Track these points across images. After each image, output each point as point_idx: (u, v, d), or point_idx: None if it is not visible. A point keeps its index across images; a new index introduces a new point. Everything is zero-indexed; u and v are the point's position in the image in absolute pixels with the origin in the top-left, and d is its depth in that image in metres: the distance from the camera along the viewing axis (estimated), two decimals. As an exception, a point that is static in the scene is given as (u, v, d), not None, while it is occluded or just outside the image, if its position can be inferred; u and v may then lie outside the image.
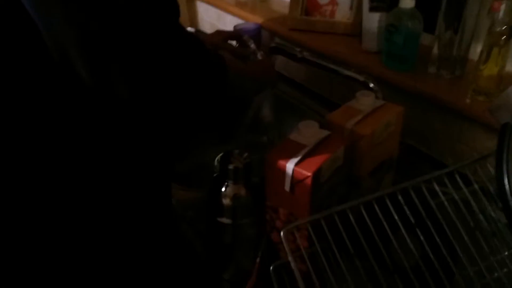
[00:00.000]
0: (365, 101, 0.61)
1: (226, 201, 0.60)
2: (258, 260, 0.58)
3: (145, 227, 0.60)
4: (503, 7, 0.64)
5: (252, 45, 0.84)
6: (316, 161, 0.53)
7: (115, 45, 0.40)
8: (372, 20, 0.84)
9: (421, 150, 0.81)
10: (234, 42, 0.88)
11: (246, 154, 0.61)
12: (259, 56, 0.84)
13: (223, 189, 0.60)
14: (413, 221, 0.50)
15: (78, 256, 0.55)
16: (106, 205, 0.55)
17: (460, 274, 0.50)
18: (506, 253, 0.53)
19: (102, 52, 0.40)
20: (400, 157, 0.71)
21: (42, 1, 0.39)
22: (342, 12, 0.95)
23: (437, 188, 0.51)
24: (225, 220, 0.61)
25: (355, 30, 0.92)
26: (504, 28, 0.65)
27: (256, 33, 1.09)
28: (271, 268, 0.54)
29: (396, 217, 0.50)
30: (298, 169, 0.52)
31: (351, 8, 0.94)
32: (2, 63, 0.43)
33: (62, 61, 0.42)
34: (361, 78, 0.78)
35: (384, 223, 0.50)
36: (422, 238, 0.49)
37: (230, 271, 0.67)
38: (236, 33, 0.86)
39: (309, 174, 0.52)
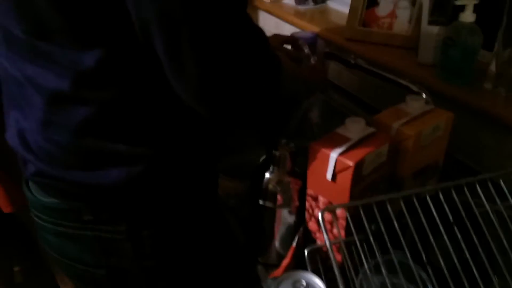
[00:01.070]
0: (415, 104, 0.63)
1: (270, 186, 0.63)
2: (294, 244, 0.60)
3: (194, 209, 0.64)
4: None
5: (307, 50, 0.87)
6: (360, 153, 0.55)
7: (189, 25, 0.45)
8: (430, 33, 0.85)
9: (470, 166, 0.80)
10: (289, 47, 0.91)
11: (292, 144, 0.64)
12: (313, 61, 0.87)
13: (267, 174, 0.64)
14: (451, 219, 0.50)
15: (141, 227, 0.59)
16: (169, 185, 0.59)
17: (498, 282, 0.50)
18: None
19: (177, 31, 0.45)
20: (447, 170, 0.70)
21: None
22: (401, 25, 0.96)
23: (479, 191, 0.51)
24: (268, 204, 0.64)
25: (412, 43, 0.93)
26: None
27: (313, 42, 1.13)
28: (305, 251, 0.56)
29: (435, 214, 0.50)
30: (341, 158, 0.54)
31: (409, 21, 0.95)
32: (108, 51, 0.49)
33: (145, 41, 0.47)
34: (414, 88, 0.79)
35: (423, 220, 0.50)
36: (460, 237, 0.49)
37: (267, 255, 0.69)
38: (292, 38, 0.90)
39: (351, 164, 0.54)
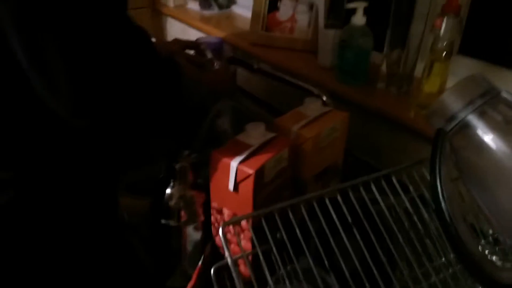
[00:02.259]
0: (312, 106, 0.63)
1: (171, 202, 0.59)
2: (200, 263, 0.57)
3: (90, 233, 0.59)
4: (444, 24, 0.68)
5: (209, 55, 0.85)
6: (260, 160, 0.53)
7: (55, 32, 0.40)
8: (327, 37, 0.88)
9: (369, 163, 0.83)
10: (192, 52, 0.88)
11: (194, 155, 0.61)
12: (217, 65, 0.85)
13: (168, 189, 0.60)
14: (350, 220, 0.50)
15: (19, 262, 0.52)
16: (50, 210, 0.53)
17: (397, 279, 0.51)
18: (443, 259, 0.55)
19: (40, 40, 0.39)
20: (348, 168, 0.72)
21: None
22: (301, 29, 0.98)
23: (374, 189, 0.53)
24: (171, 222, 0.60)
25: (313, 46, 0.96)
26: (445, 44, 0.69)
27: (218, 47, 1.11)
28: (212, 269, 0.53)
29: (334, 217, 0.51)
30: (241, 167, 0.53)
31: (309, 25, 0.97)
32: None
33: (5, 52, 0.41)
34: (315, 90, 0.80)
35: (323, 224, 0.50)
36: (359, 238, 0.50)
37: (175, 277, 0.65)
38: (194, 43, 0.87)
39: (251, 172, 0.52)
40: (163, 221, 0.60)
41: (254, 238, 0.49)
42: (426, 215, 0.55)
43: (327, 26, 0.88)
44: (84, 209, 0.57)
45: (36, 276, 0.54)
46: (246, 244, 0.57)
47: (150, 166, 0.84)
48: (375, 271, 0.48)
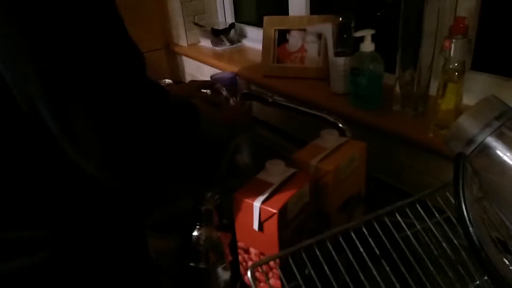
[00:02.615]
0: (329, 139, 0.64)
1: (199, 245, 0.61)
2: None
3: (122, 277, 0.60)
4: (453, 45, 0.68)
5: (224, 92, 0.87)
6: (282, 198, 0.54)
7: (78, 90, 0.42)
8: (338, 65, 0.89)
9: (392, 185, 0.83)
10: (208, 91, 0.91)
11: (217, 196, 0.63)
12: (232, 102, 0.87)
13: (195, 232, 0.61)
14: (378, 252, 0.50)
15: None
16: (83, 261, 0.54)
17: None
18: (477, 282, 0.54)
19: (64, 95, 0.41)
20: (372, 192, 0.72)
21: (8, 53, 0.40)
22: (311, 58, 1.00)
23: (399, 218, 0.53)
24: (200, 265, 0.61)
25: (324, 74, 0.97)
26: (456, 65, 0.69)
27: (232, 81, 1.14)
28: (243, 310, 0.54)
29: (361, 250, 0.51)
30: (264, 207, 0.54)
31: (319, 54, 0.99)
32: None
33: (32, 114, 0.43)
34: (331, 118, 0.81)
35: (350, 257, 0.50)
36: (388, 269, 0.50)
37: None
38: (209, 82, 0.90)
39: (275, 211, 0.53)
40: (192, 264, 0.61)
41: (282, 276, 0.50)
42: (454, 240, 0.54)
43: (337, 54, 0.89)
44: (115, 254, 0.58)
45: None
46: (275, 283, 0.57)
47: (174, 205, 0.86)
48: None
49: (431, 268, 0.51)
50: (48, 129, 0.44)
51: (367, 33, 0.80)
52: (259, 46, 1.24)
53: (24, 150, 0.47)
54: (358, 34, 0.81)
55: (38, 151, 0.47)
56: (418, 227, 0.54)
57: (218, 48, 1.33)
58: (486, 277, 0.53)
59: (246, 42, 1.33)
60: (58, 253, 0.50)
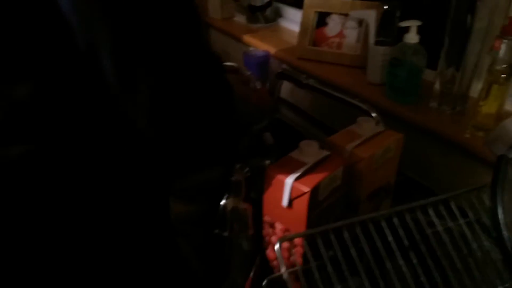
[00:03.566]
0: (366, 126, 0.63)
1: (225, 213, 0.61)
2: (251, 274, 0.58)
3: (141, 240, 0.60)
4: (503, 45, 0.66)
5: (248, 73, 0.86)
6: (315, 178, 0.54)
7: (144, 50, 0.43)
8: (377, 54, 0.88)
9: (420, 182, 0.82)
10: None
11: (247, 169, 0.63)
12: (257, 85, 0.86)
13: (222, 201, 0.61)
14: (406, 243, 0.50)
15: (71, 271, 0.54)
16: (102, 216, 0.55)
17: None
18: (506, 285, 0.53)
19: (131, 56, 0.43)
20: (399, 188, 0.72)
21: (84, 2, 0.41)
22: (349, 45, 0.99)
23: (431, 213, 0.52)
24: (223, 233, 0.61)
25: (361, 62, 0.96)
26: (504, 66, 0.67)
27: (265, 60, 1.13)
28: (264, 282, 0.54)
29: (390, 239, 0.50)
30: (296, 185, 0.53)
31: (357, 41, 0.97)
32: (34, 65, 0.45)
33: (91, 63, 0.44)
34: (364, 106, 0.80)
35: (379, 245, 0.50)
36: (415, 261, 0.50)
37: (225, 285, 0.66)
38: (232, 67, 0.88)
39: (307, 189, 0.53)
40: (216, 231, 0.62)
41: (309, 254, 0.50)
42: (485, 242, 0.53)
43: (377, 43, 0.87)
44: (137, 214, 0.59)
45: (89, 281, 0.56)
46: (297, 260, 0.57)
47: (201, 175, 0.86)
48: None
49: (458, 265, 0.50)
50: (100, 82, 0.44)
51: (413, 24, 0.78)
52: (295, 28, 1.22)
53: (75, 100, 0.47)
54: (404, 24, 0.79)
55: (86, 102, 0.48)
56: (450, 224, 0.53)
57: (253, 25, 1.31)
58: None
59: (282, 22, 1.31)
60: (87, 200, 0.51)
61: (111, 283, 0.57)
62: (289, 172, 0.55)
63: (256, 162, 1.01)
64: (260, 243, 0.62)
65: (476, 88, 0.78)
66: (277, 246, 0.48)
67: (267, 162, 1.03)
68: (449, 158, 0.78)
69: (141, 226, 0.60)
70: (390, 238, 0.51)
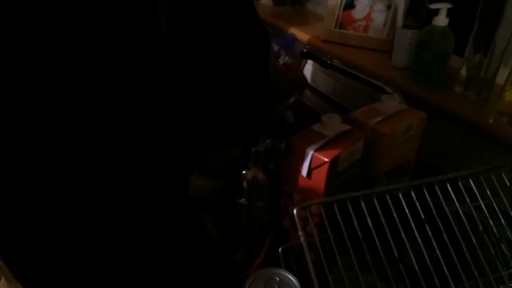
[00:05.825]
0: (389, 103, 0.63)
1: (244, 183, 0.62)
2: (267, 242, 0.59)
3: (162, 214, 0.61)
4: (534, 32, 0.65)
5: (278, 47, 0.87)
6: (335, 150, 0.55)
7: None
8: (405, 37, 0.87)
9: (439, 168, 0.82)
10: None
11: (268, 140, 0.64)
12: (288, 60, 0.87)
13: (244, 171, 0.63)
14: (423, 216, 0.51)
15: (94, 243, 0.56)
16: (125, 191, 0.55)
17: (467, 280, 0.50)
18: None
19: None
20: (418, 172, 0.72)
21: None
22: (376, 28, 0.98)
23: (449, 188, 0.52)
24: (242, 201, 0.63)
25: (387, 46, 0.95)
26: (533, 52, 0.66)
27: (289, 42, 1.13)
28: (279, 249, 0.55)
29: (407, 212, 0.51)
30: (316, 155, 0.54)
31: (384, 24, 0.97)
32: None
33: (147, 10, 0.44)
34: (388, 89, 0.80)
35: (396, 218, 0.51)
36: (431, 235, 0.50)
37: (240, 253, 0.68)
38: None
39: (327, 159, 0.53)
40: (234, 200, 0.63)
41: (326, 223, 0.51)
42: (503, 221, 0.53)
43: (405, 26, 0.87)
44: (159, 188, 0.60)
45: (111, 253, 0.57)
46: (312, 230, 0.58)
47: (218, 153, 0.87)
48: (445, 269, 0.48)
49: (474, 241, 0.50)
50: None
51: (443, 6, 0.77)
52: (321, 12, 1.22)
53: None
54: (433, 6, 0.78)
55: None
56: (468, 201, 0.53)
57: (278, 8, 1.31)
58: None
59: (309, 6, 1.30)
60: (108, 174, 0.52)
61: (132, 252, 0.58)
62: (310, 143, 0.56)
63: (274, 145, 1.02)
64: (277, 214, 0.63)
65: (503, 74, 0.77)
66: (295, 211, 0.49)
67: (283, 145, 1.04)
68: (470, 143, 0.77)
69: (163, 199, 0.61)
70: (406, 211, 0.51)
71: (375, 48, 0.98)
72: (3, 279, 0.94)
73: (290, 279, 0.48)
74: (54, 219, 0.52)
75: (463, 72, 0.79)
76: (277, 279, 0.48)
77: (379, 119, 0.61)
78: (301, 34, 1.12)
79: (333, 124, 0.59)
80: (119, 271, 0.57)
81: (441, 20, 0.77)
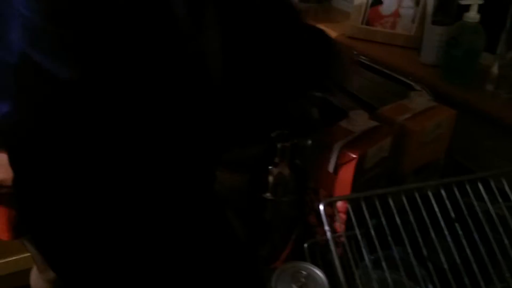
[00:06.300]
0: (418, 100, 0.62)
1: (270, 178, 0.63)
2: (293, 237, 0.59)
3: (187, 208, 0.62)
4: None
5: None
6: (363, 146, 0.54)
7: None
8: (434, 33, 0.85)
9: (468, 167, 0.80)
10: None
11: (294, 136, 0.64)
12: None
13: (270, 166, 0.63)
14: (453, 215, 0.50)
15: (120, 236, 0.57)
16: (150, 186, 0.55)
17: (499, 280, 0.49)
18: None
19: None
20: (446, 171, 0.70)
21: None
22: (404, 24, 0.96)
23: (481, 188, 0.51)
24: (268, 196, 0.63)
25: (415, 43, 0.93)
26: None
27: (315, 38, 1.13)
28: (305, 245, 0.55)
29: (436, 210, 0.50)
30: (344, 150, 0.54)
31: (413, 21, 0.95)
32: None
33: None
34: (417, 86, 0.78)
35: (425, 216, 0.50)
36: (461, 234, 0.49)
37: (266, 248, 0.68)
38: None
39: (354, 156, 0.53)
40: (259, 195, 0.63)
41: (353, 219, 0.50)
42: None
43: (435, 22, 0.85)
44: (184, 183, 0.60)
45: (136, 244, 0.58)
46: (339, 226, 0.58)
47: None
48: (475, 268, 0.47)
49: (506, 241, 0.49)
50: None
51: (474, 2, 0.75)
52: (347, 8, 1.21)
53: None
54: (464, 1, 0.76)
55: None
56: (500, 201, 0.52)
57: (304, 4, 1.30)
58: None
59: (335, 2, 1.29)
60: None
61: (157, 246, 0.59)
62: (337, 139, 0.56)
63: (300, 142, 1.02)
64: (303, 209, 0.63)
65: (538, 72, 0.75)
66: (321, 207, 0.49)
67: (309, 142, 1.03)
68: (500, 142, 0.75)
69: (188, 194, 0.61)
70: (436, 210, 0.50)
71: (403, 45, 0.96)
72: (34, 268, 0.98)
73: (317, 274, 0.48)
74: (88, 212, 0.54)
75: (495, 69, 0.77)
76: (304, 273, 0.48)
77: (408, 116, 0.60)
78: (327, 31, 1.11)
79: (360, 120, 0.59)
80: (145, 265, 0.58)
81: (472, 16, 0.76)
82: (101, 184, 0.53)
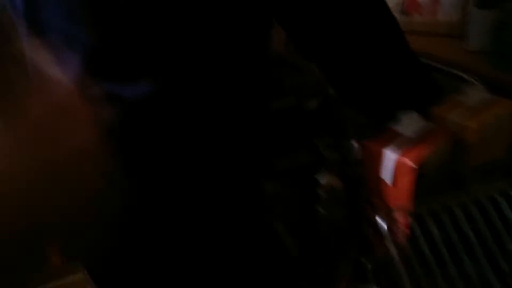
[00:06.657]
0: (473, 94, 0.58)
1: (322, 191, 0.60)
2: (351, 254, 0.56)
3: (236, 220, 0.61)
4: None
5: None
6: (420, 152, 0.51)
7: None
8: (480, 17, 0.80)
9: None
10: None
11: (343, 145, 0.61)
12: None
13: (319, 179, 0.60)
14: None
15: (163, 251, 0.57)
16: (195, 198, 0.56)
17: None
18: None
19: None
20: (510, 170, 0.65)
21: None
22: (445, 11, 0.91)
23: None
24: (320, 210, 0.60)
25: (458, 30, 0.88)
26: None
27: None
28: (367, 264, 0.52)
29: (510, 217, 0.46)
30: (401, 160, 0.51)
31: (454, 6, 0.89)
32: None
33: None
34: (466, 77, 0.73)
35: (499, 223, 0.46)
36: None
37: (322, 265, 0.66)
38: None
39: (412, 165, 0.50)
40: (310, 209, 0.61)
41: (419, 235, 0.47)
42: None
43: (480, 5, 0.79)
44: (232, 194, 0.60)
45: (181, 261, 0.58)
46: (400, 240, 0.54)
47: (293, 157, 0.85)
48: None
49: None
50: None
51: (526, -20, 0.69)
52: None
53: None
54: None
55: None
56: None
57: None
58: None
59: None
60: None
61: (206, 262, 0.59)
62: (391, 145, 0.52)
63: (337, 142, 0.98)
64: (357, 223, 0.60)
65: None
66: (380, 220, 0.46)
67: (348, 142, 0.99)
68: None
69: (234, 204, 0.60)
70: (510, 216, 0.46)
71: (445, 33, 0.91)
72: None
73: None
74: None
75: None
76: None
77: (464, 112, 0.55)
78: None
79: (411, 121, 0.55)
80: (189, 276, 0.58)
81: (524, -5, 0.70)
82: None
